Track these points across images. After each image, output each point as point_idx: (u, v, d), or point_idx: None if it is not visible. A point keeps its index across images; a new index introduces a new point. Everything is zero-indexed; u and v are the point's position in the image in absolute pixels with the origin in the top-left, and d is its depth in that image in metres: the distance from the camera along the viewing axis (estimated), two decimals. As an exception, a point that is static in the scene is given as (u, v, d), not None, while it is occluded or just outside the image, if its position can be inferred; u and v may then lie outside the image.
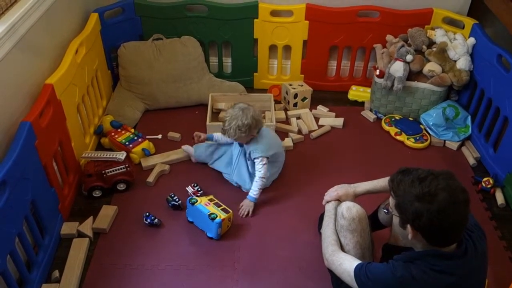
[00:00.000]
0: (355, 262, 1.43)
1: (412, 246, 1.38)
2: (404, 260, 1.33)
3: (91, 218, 2.00)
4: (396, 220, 1.37)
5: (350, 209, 1.55)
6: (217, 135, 2.26)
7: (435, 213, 1.22)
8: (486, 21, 2.56)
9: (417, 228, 1.27)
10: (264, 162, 2.06)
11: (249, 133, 2.02)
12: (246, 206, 2.08)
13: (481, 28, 2.48)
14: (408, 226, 1.29)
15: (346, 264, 1.44)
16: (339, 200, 1.69)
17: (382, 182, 1.66)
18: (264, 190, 2.20)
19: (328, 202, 1.72)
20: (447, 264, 1.29)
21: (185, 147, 2.36)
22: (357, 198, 1.71)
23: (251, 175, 2.14)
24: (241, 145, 2.14)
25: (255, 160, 2.08)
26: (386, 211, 1.46)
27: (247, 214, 2.06)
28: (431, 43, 2.61)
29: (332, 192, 1.73)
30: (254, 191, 2.07)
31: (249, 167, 2.15)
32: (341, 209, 1.58)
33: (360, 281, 1.37)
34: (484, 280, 1.41)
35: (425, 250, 1.32)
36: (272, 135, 2.20)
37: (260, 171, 2.06)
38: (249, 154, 2.09)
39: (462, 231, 1.30)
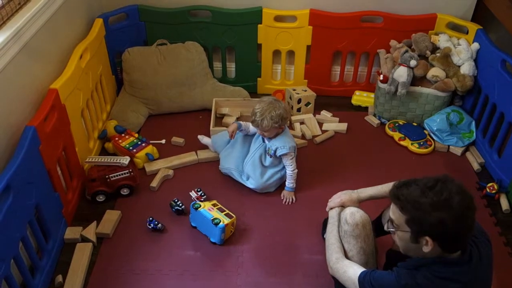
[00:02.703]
0: (359, 270, 1.42)
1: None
2: (409, 268, 1.32)
3: (94, 223, 2.00)
4: (402, 235, 1.32)
5: (353, 214, 1.55)
6: (243, 123, 2.25)
7: (457, 217, 1.21)
8: (490, 26, 2.56)
9: (436, 238, 1.24)
10: (291, 157, 2.12)
11: (281, 123, 2.05)
12: (288, 195, 2.18)
13: (485, 34, 2.47)
14: (426, 238, 1.25)
15: (350, 272, 1.43)
16: (342, 206, 1.69)
17: (385, 188, 1.65)
18: (267, 195, 2.21)
19: (331, 208, 1.72)
20: (452, 271, 1.28)
21: (201, 137, 2.41)
22: (360, 203, 1.71)
23: (264, 169, 2.17)
24: (263, 141, 2.17)
25: (282, 157, 2.12)
26: (390, 230, 1.38)
27: (292, 201, 2.18)
28: (435, 49, 2.61)
29: (336, 199, 1.72)
30: (290, 183, 2.17)
31: (264, 161, 2.17)
32: (344, 215, 1.57)
33: None
34: (489, 287, 1.40)
35: (430, 258, 1.31)
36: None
37: (290, 166, 2.13)
38: (274, 151, 2.11)
39: (473, 229, 1.28)
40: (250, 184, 2.18)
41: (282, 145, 2.10)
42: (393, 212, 1.32)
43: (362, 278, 1.38)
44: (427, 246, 1.26)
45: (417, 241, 1.28)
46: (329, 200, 1.75)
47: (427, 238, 1.25)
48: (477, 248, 1.33)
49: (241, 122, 2.26)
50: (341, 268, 1.48)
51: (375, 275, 1.36)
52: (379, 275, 1.36)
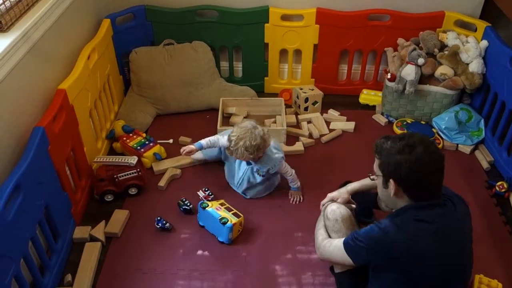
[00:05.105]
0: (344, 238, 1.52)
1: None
2: (388, 217, 1.42)
3: (103, 222, 2.01)
4: (378, 181, 1.47)
5: (334, 211, 1.65)
6: (205, 142, 2.14)
7: (414, 162, 1.34)
8: (499, 23, 2.53)
9: (398, 181, 1.38)
10: (284, 166, 2.10)
11: (256, 154, 1.97)
12: (295, 194, 2.17)
13: (494, 31, 2.45)
14: (391, 181, 1.40)
15: (336, 241, 1.54)
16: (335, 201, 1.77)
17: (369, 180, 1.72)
18: (275, 194, 2.21)
19: (324, 205, 1.79)
20: (428, 214, 1.37)
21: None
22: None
23: (256, 185, 2.14)
24: (249, 163, 2.10)
25: (279, 171, 2.10)
26: (371, 175, 1.54)
27: (300, 200, 2.16)
28: (443, 46, 2.59)
29: (327, 198, 1.81)
30: (294, 184, 2.15)
31: (255, 181, 2.12)
32: (326, 211, 1.68)
33: (350, 246, 1.46)
34: (469, 243, 1.46)
35: (407, 205, 1.41)
36: (272, 145, 2.09)
37: (287, 173, 2.11)
38: (266, 171, 2.07)
39: (439, 184, 1.40)
40: (249, 196, 2.17)
41: (272, 165, 2.05)
42: (375, 161, 1.49)
43: (345, 239, 1.49)
44: (392, 190, 1.40)
45: (386, 185, 1.43)
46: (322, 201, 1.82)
47: (391, 180, 1.40)
48: (452, 202, 1.43)
49: (202, 142, 2.12)
50: (327, 243, 1.58)
51: (357, 231, 1.46)
52: (361, 230, 1.46)
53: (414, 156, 1.35)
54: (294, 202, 2.16)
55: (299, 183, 2.17)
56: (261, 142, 1.95)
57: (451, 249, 1.38)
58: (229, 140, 1.98)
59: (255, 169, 2.09)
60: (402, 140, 1.39)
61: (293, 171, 2.13)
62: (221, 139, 2.13)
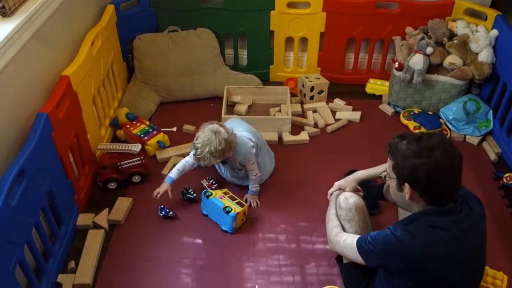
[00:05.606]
0: (358, 236, 1.48)
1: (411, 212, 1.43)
2: (402, 223, 1.38)
3: (106, 209, 2.01)
4: (392, 183, 1.42)
5: (347, 199, 1.62)
6: (175, 174, 2.03)
7: (432, 166, 1.28)
8: (509, 12, 2.49)
9: (415, 185, 1.33)
10: (252, 162, 2.02)
11: (223, 157, 1.92)
12: (252, 199, 2.09)
13: (505, 20, 2.41)
14: (406, 185, 1.34)
15: (350, 239, 1.50)
16: (343, 190, 1.74)
17: (379, 168, 1.70)
18: (279, 184, 2.19)
19: (331, 194, 1.78)
20: (444, 220, 1.32)
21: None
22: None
23: (245, 178, 2.12)
24: (224, 162, 2.06)
25: (245, 164, 2.02)
26: (383, 176, 1.50)
27: (256, 205, 2.08)
28: (452, 35, 2.55)
29: (335, 186, 1.79)
30: (253, 187, 2.08)
31: (239, 175, 2.11)
32: (339, 199, 1.64)
33: (363, 249, 1.42)
34: (483, 246, 1.42)
35: (422, 210, 1.36)
36: (242, 134, 2.02)
37: (253, 171, 2.04)
38: (240, 164, 2.02)
39: (457, 188, 1.35)
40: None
41: (243, 157, 1.98)
42: (388, 162, 1.44)
43: (359, 240, 1.45)
44: (407, 194, 1.35)
45: (401, 188, 1.38)
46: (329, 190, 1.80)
47: (406, 184, 1.35)
48: (468, 205, 1.38)
49: (171, 175, 2.02)
50: (341, 238, 1.54)
51: (371, 234, 1.42)
52: (375, 233, 1.42)
53: (433, 160, 1.28)
54: (253, 207, 2.07)
55: (258, 187, 2.09)
56: (226, 145, 1.89)
57: (466, 254, 1.34)
58: (194, 148, 1.91)
59: (231, 166, 2.06)
60: (419, 142, 1.32)
61: (259, 174, 2.06)
62: (189, 159, 2.06)
